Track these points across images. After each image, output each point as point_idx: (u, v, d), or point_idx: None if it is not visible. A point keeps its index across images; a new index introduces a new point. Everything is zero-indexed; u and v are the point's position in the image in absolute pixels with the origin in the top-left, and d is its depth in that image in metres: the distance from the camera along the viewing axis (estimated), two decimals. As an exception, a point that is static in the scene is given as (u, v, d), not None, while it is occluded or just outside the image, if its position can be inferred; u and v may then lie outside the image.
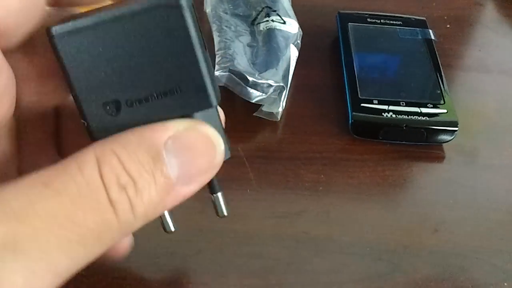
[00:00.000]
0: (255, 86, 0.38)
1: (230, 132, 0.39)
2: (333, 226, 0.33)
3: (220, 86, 0.39)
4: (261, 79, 0.38)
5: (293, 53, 0.41)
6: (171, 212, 0.26)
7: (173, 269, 0.31)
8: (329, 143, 0.38)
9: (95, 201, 0.18)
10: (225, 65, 0.38)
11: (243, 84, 0.38)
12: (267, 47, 0.41)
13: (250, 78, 0.38)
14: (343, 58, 0.43)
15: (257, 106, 0.39)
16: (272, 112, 0.39)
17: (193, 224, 0.33)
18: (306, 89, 0.42)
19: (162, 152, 0.19)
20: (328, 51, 0.46)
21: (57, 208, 0.18)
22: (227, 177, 0.35)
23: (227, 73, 0.37)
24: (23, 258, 0.17)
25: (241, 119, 0.39)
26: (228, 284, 0.30)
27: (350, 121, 0.38)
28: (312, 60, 0.44)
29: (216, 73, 0.38)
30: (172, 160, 0.19)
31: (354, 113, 0.38)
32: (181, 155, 0.20)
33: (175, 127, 0.20)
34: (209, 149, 0.21)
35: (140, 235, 0.32)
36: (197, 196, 0.34)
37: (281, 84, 0.38)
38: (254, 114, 0.39)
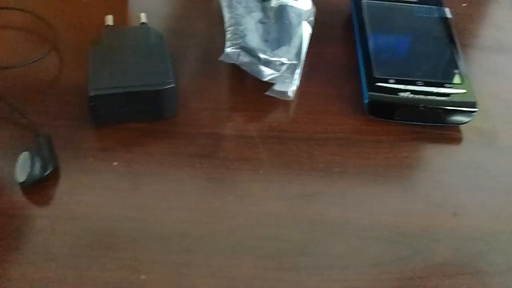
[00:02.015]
0: (267, 64, 0.37)
1: (241, 111, 0.39)
2: (349, 209, 0.32)
3: (230, 64, 0.38)
4: (273, 57, 0.36)
5: (306, 30, 0.40)
6: None
7: (185, 250, 0.30)
8: (343, 123, 0.37)
9: None
10: (236, 42, 0.37)
11: (255, 61, 0.37)
12: (279, 24, 0.39)
13: (262, 56, 0.36)
14: (357, 36, 0.42)
15: (268, 84, 0.38)
16: (285, 91, 0.37)
17: (206, 205, 0.32)
18: (318, 67, 0.41)
19: None
20: (341, 28, 0.44)
21: None
22: (239, 157, 0.35)
23: (238, 50, 0.36)
24: None
25: (252, 98, 0.38)
26: (242, 266, 0.29)
27: (365, 101, 0.37)
28: (324, 38, 0.43)
29: (227, 50, 0.36)
30: None
31: (369, 92, 0.37)
32: None
33: None
34: None
35: (152, 215, 0.32)
36: (210, 178, 0.34)
37: (294, 62, 0.37)
38: (265, 93, 0.38)
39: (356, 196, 0.33)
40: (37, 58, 0.39)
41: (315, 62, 0.41)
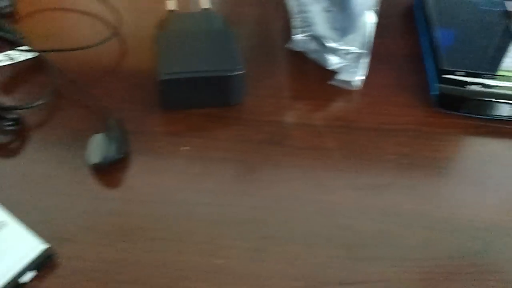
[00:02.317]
0: (334, 52, 0.36)
1: (305, 100, 0.39)
2: (421, 201, 0.32)
3: (293, 52, 0.38)
4: (341, 45, 0.36)
5: (371, 19, 0.39)
6: None
7: (260, 237, 0.30)
8: (409, 114, 0.37)
9: None
10: (305, 29, 0.37)
11: (322, 49, 0.36)
12: (345, 13, 0.39)
13: (330, 44, 0.36)
14: (421, 28, 0.41)
15: (331, 74, 0.37)
16: (350, 81, 0.37)
17: (276, 192, 0.32)
18: (381, 58, 0.40)
19: None
20: (402, 19, 0.44)
21: None
22: (306, 145, 0.34)
23: (307, 37, 0.36)
24: None
25: (315, 87, 0.38)
26: (316, 254, 0.29)
27: (433, 93, 0.36)
28: (386, 28, 0.42)
29: (296, 37, 0.36)
30: None
31: (439, 84, 0.36)
32: None
33: None
34: None
35: (225, 201, 0.32)
36: (278, 165, 0.34)
37: (361, 51, 0.37)
38: (329, 82, 0.37)
39: (428, 189, 0.33)
40: (102, 41, 0.39)
41: (378, 53, 0.40)
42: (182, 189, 0.31)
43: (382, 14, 0.42)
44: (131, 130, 0.34)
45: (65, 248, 0.28)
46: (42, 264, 0.27)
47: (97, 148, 0.32)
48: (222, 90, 0.35)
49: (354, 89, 0.37)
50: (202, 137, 0.34)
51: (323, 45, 0.36)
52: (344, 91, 0.38)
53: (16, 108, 0.34)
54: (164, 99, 0.35)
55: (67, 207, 0.30)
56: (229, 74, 0.34)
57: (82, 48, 0.38)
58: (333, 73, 0.38)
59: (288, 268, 0.29)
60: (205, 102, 0.35)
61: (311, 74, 0.39)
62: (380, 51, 0.41)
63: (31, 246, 0.27)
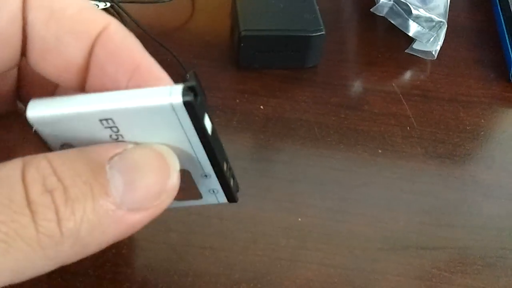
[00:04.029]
0: (416, 19, 0.36)
1: (381, 67, 0.39)
2: (500, 173, 0.32)
3: (369, 18, 0.37)
4: (425, 12, 0.35)
5: (449, -11, 0.39)
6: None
7: (340, 198, 0.30)
8: (486, 88, 0.36)
9: (7, 198, 0.14)
10: (387, -6, 0.36)
11: (405, 16, 0.36)
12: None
13: (414, 11, 0.35)
14: (498, 2, 0.40)
15: (407, 43, 0.37)
16: (428, 51, 0.36)
17: (356, 155, 0.32)
18: (457, 31, 0.40)
19: (105, 166, 0.15)
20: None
21: None
22: (384, 112, 0.34)
23: (392, 2, 0.35)
24: None
25: (392, 54, 0.37)
26: (398, 219, 0.29)
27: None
28: (460, 1, 0.42)
29: (380, 1, 0.35)
30: (117, 177, 0.15)
31: (518, 58, 0.36)
32: (127, 172, 0.16)
33: (124, 145, 0.16)
34: (162, 168, 0.16)
35: (305, 160, 0.31)
36: (357, 129, 0.33)
37: (442, 20, 0.36)
38: (406, 50, 0.37)
39: (507, 161, 0.32)
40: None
41: (453, 25, 0.39)
42: (260, 146, 0.31)
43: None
44: (206, 85, 0.34)
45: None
46: None
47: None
48: (301, 51, 0.34)
49: (430, 59, 0.37)
50: (278, 97, 0.34)
51: (408, 11, 0.36)
52: (420, 61, 0.37)
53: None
54: (242, 56, 0.34)
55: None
56: (310, 34, 0.34)
57: (156, 2, 0.38)
58: (410, 41, 0.37)
59: (369, 230, 0.29)
60: (281, 62, 0.35)
61: (389, 41, 0.38)
62: (455, 24, 0.40)
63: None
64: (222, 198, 0.20)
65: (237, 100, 0.34)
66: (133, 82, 0.17)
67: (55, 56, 0.17)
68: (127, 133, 0.17)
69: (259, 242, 0.28)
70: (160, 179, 0.16)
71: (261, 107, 0.33)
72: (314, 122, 0.33)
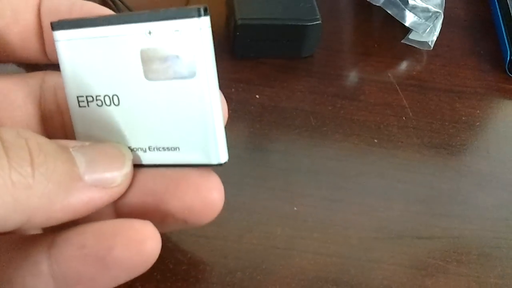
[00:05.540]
0: (413, 9, 0.36)
1: (377, 57, 0.39)
2: (494, 163, 0.32)
3: (374, 7, 0.37)
4: (421, 3, 0.35)
5: (446, -20, 0.39)
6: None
7: (336, 187, 0.30)
8: (481, 79, 0.36)
9: None
10: (383, -16, 0.36)
11: (401, 5, 0.35)
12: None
13: (411, 1, 0.35)
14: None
15: (403, 33, 0.37)
16: (424, 41, 0.36)
17: (351, 145, 0.31)
18: (452, 22, 0.40)
19: (69, 148, 0.17)
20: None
21: None
22: (380, 102, 0.34)
23: (387, -9, 0.35)
24: None
25: (388, 45, 0.37)
26: (393, 208, 0.29)
27: (508, 59, 0.36)
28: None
29: (376, -10, 0.35)
30: (79, 156, 0.17)
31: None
32: (88, 154, 0.17)
33: (83, 142, 0.18)
34: (117, 155, 0.18)
35: (297, 150, 0.31)
36: (352, 119, 0.33)
37: (439, 10, 0.36)
38: (402, 41, 0.37)
39: (501, 152, 0.32)
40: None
41: (449, 16, 0.39)
42: (256, 135, 0.31)
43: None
44: (201, 75, 0.34)
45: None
46: None
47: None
48: (297, 40, 0.34)
49: (426, 49, 0.37)
50: (274, 86, 0.34)
51: (403, 1, 0.35)
52: (416, 51, 0.37)
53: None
54: (237, 45, 0.34)
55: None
56: (306, 23, 0.33)
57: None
58: (406, 32, 0.37)
59: (365, 219, 0.29)
60: (277, 51, 0.35)
61: (385, 31, 0.38)
62: (451, 14, 0.40)
63: None
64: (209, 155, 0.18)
65: (233, 89, 0.33)
66: None
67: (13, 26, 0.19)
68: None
69: (254, 230, 0.27)
70: (116, 164, 0.18)
71: (257, 96, 0.33)
72: (310, 112, 0.33)
